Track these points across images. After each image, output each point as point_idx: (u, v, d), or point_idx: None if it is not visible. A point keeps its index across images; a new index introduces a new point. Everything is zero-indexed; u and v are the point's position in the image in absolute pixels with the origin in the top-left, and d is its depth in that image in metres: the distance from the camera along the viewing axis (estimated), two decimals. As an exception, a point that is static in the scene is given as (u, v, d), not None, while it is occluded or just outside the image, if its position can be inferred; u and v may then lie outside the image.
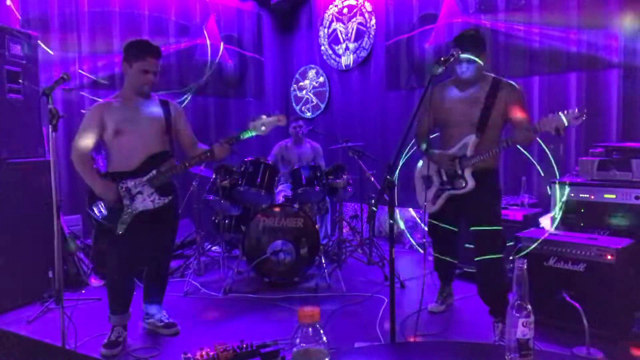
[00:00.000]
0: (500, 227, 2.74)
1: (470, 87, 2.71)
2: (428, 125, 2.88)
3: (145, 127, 2.70)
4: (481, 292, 2.83)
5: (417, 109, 2.40)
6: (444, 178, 2.81)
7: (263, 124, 2.65)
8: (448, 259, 3.08)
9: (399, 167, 2.59)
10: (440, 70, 2.37)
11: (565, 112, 2.34)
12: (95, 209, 2.65)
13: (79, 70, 4.72)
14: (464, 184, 2.70)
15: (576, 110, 2.34)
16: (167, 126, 2.77)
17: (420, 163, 3.00)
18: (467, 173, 2.68)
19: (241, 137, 2.71)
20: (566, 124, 2.34)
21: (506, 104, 2.65)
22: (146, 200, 2.68)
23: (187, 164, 2.75)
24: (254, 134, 2.69)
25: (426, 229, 3.10)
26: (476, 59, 2.63)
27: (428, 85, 2.38)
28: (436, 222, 2.97)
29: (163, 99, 2.85)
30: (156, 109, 2.77)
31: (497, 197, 2.82)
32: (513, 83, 2.73)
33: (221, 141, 2.70)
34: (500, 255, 2.70)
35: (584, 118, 2.33)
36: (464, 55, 2.58)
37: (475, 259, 2.78)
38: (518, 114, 2.64)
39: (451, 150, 2.75)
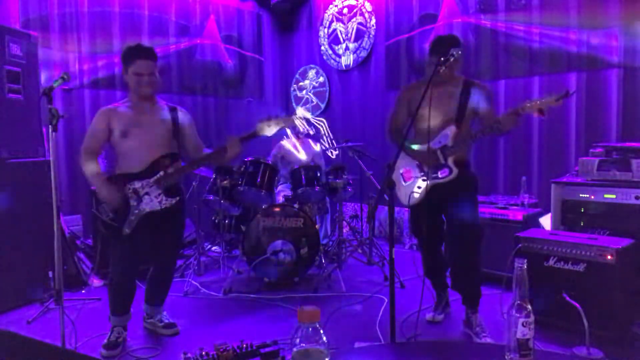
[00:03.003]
0: (478, 218, 2.84)
1: (444, 85, 2.79)
2: (402, 121, 2.99)
3: (151, 130, 2.71)
4: (458, 283, 2.90)
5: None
6: (426, 169, 2.84)
7: (270, 125, 2.66)
8: (437, 260, 3.06)
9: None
10: (442, 69, 2.46)
11: (547, 96, 2.49)
12: (101, 210, 2.66)
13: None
14: (448, 172, 2.76)
15: (554, 94, 2.47)
16: (175, 131, 2.78)
17: (397, 158, 2.99)
18: (450, 161, 2.76)
19: (249, 137, 2.71)
20: (546, 106, 2.48)
21: (478, 100, 2.79)
22: (153, 202, 2.68)
23: (196, 164, 2.77)
24: (261, 134, 2.70)
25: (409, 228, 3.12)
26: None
27: (428, 83, 2.39)
28: (419, 215, 2.95)
29: (172, 105, 2.87)
30: (163, 114, 2.79)
31: (476, 188, 2.91)
32: (483, 84, 2.92)
33: (231, 139, 2.67)
34: (478, 246, 2.80)
35: (564, 97, 2.46)
36: (436, 59, 2.65)
37: (453, 249, 2.87)
38: (488, 113, 2.80)
39: (431, 143, 2.79)
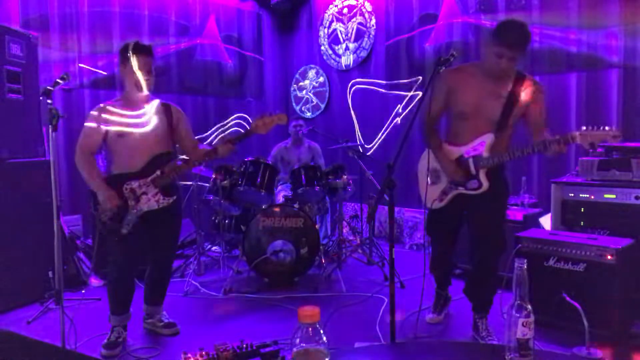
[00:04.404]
0: (504, 227, 2.73)
1: (493, 78, 2.50)
2: (438, 111, 2.66)
3: (147, 129, 2.71)
4: (472, 290, 2.84)
5: (424, 93, 2.31)
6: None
7: (264, 123, 2.68)
8: (447, 259, 3.02)
9: (398, 166, 2.51)
10: (441, 70, 2.38)
11: (604, 128, 2.26)
12: (100, 210, 2.66)
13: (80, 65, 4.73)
14: (477, 186, 2.57)
15: (614, 128, 2.25)
16: (169, 128, 2.79)
17: (426, 155, 2.77)
18: (482, 174, 2.56)
19: (243, 137, 2.73)
20: (601, 141, 2.27)
21: (528, 103, 2.51)
22: (151, 201, 2.69)
23: (190, 164, 2.78)
24: (256, 133, 2.72)
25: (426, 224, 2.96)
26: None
27: (430, 81, 2.37)
28: (438, 219, 2.85)
29: (164, 102, 2.86)
30: (158, 112, 2.79)
31: (507, 195, 2.76)
32: (537, 80, 2.60)
33: (224, 139, 2.70)
34: (499, 259, 2.70)
35: (620, 138, 2.25)
36: (509, 52, 2.36)
37: (476, 258, 2.76)
38: (538, 115, 2.54)
39: (463, 148, 2.60)
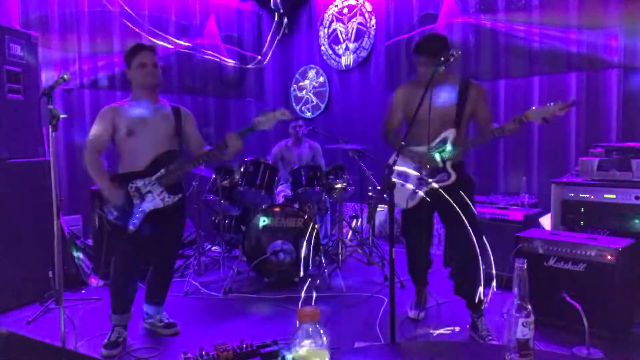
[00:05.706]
0: (478, 221, 2.79)
1: (440, 85, 2.71)
2: (398, 122, 2.97)
3: (156, 129, 2.73)
4: (461, 286, 2.88)
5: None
6: (424, 173, 2.81)
7: (268, 118, 2.68)
8: (423, 258, 3.09)
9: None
10: (442, 69, 2.40)
11: (551, 104, 2.47)
12: (106, 210, 2.67)
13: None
14: (446, 177, 2.74)
15: (559, 102, 2.45)
16: (177, 129, 2.81)
17: (392, 161, 2.97)
18: (448, 165, 2.74)
19: (247, 132, 2.72)
20: (551, 114, 2.47)
21: (475, 102, 2.77)
22: (156, 199, 2.70)
23: (195, 161, 2.78)
24: (259, 128, 2.71)
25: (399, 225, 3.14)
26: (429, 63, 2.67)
27: (428, 83, 2.38)
28: (412, 219, 2.95)
29: (174, 105, 2.89)
30: (166, 112, 2.81)
31: (473, 189, 2.90)
32: (477, 82, 2.88)
33: (231, 135, 2.68)
34: (477, 247, 2.73)
35: (567, 108, 2.45)
36: (417, 58, 2.75)
37: (456, 253, 2.87)
38: (485, 112, 2.81)
39: (430, 146, 2.75)
